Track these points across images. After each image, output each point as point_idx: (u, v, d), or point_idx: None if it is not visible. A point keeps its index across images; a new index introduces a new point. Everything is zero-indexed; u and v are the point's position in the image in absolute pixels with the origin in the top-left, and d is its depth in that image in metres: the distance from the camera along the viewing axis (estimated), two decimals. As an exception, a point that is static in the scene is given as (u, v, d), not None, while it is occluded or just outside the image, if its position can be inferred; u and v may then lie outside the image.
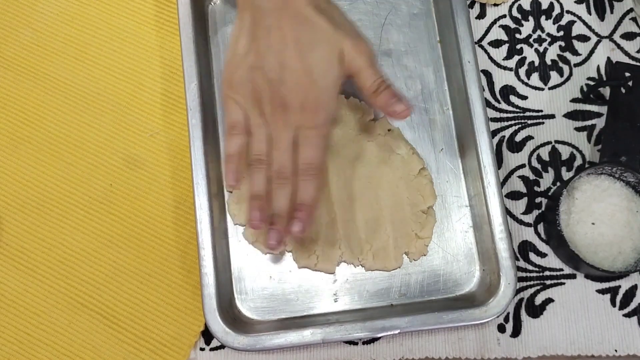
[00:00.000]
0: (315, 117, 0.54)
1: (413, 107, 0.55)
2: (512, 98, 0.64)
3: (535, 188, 0.62)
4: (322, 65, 0.53)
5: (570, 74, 0.64)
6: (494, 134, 0.62)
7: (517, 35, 0.65)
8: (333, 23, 0.53)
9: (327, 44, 0.53)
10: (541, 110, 0.63)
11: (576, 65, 0.64)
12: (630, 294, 0.59)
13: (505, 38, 0.65)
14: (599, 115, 0.63)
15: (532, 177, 0.62)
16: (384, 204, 0.60)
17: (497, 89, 0.64)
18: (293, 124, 0.54)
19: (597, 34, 0.64)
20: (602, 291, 0.59)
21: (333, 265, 0.59)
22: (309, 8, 0.53)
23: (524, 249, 0.60)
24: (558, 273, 0.60)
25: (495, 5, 0.66)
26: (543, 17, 0.65)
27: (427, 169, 0.61)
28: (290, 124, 0.54)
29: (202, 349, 0.59)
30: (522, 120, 0.63)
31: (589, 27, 0.65)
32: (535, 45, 0.65)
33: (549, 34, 0.65)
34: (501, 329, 0.59)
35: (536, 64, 0.64)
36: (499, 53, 0.65)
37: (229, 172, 0.56)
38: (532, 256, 0.60)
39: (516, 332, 0.58)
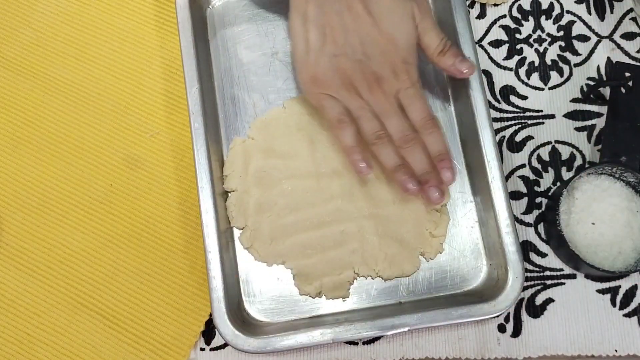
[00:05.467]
0: (409, 76, 0.56)
1: (475, 67, 0.58)
2: (512, 98, 0.64)
3: (536, 188, 0.62)
4: (400, 29, 0.55)
5: (570, 74, 0.64)
6: (494, 133, 0.62)
7: (517, 35, 0.65)
8: None
9: (399, 9, 0.55)
10: (541, 110, 0.63)
11: (576, 65, 0.64)
12: (630, 294, 0.59)
13: (505, 38, 0.65)
14: (599, 115, 0.63)
15: (532, 177, 0.62)
16: (395, 205, 0.60)
17: (497, 89, 0.64)
18: (392, 91, 0.56)
19: (597, 34, 0.65)
20: (602, 291, 0.59)
21: (344, 291, 0.59)
22: None
23: (524, 249, 0.60)
24: (558, 273, 0.60)
25: (495, 5, 0.66)
26: (543, 17, 0.65)
27: None
28: (389, 93, 0.56)
29: (202, 349, 0.59)
30: (522, 120, 0.63)
31: (589, 27, 0.65)
32: (535, 45, 0.65)
33: (549, 34, 0.65)
34: (501, 329, 0.59)
35: (536, 64, 0.64)
36: (499, 53, 0.65)
37: (358, 162, 0.57)
38: (533, 256, 0.60)
39: (516, 332, 0.58)
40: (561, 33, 0.65)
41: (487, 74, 0.64)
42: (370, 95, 0.56)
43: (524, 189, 0.62)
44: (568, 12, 0.65)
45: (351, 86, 0.56)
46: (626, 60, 0.64)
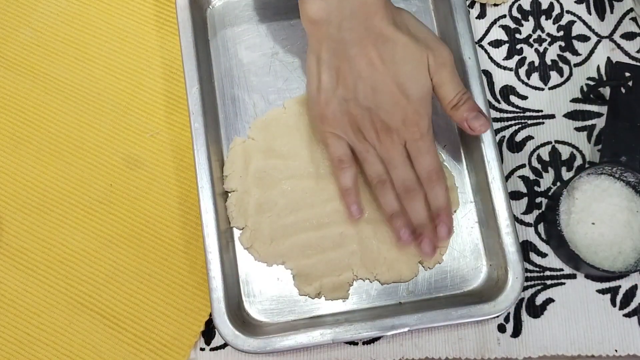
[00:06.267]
0: (419, 128, 0.55)
1: (490, 121, 0.56)
2: (512, 98, 0.64)
3: (536, 188, 0.62)
4: (414, 80, 0.54)
5: (570, 74, 0.64)
6: (494, 134, 0.62)
7: (517, 35, 0.65)
8: (413, 37, 0.54)
9: (413, 58, 0.54)
10: (541, 110, 0.63)
11: (576, 65, 0.64)
12: (630, 294, 0.59)
13: (505, 38, 0.65)
14: (599, 115, 0.63)
15: (532, 177, 0.62)
16: None
17: (497, 89, 0.64)
18: (400, 140, 0.56)
19: (597, 34, 0.65)
20: (602, 291, 0.59)
21: (344, 292, 0.59)
22: (390, 28, 0.53)
23: (524, 249, 0.60)
24: (558, 273, 0.60)
25: (495, 5, 0.66)
26: (543, 17, 0.65)
27: (446, 166, 0.61)
28: (397, 141, 0.56)
29: (202, 349, 0.59)
30: (522, 120, 0.63)
31: (589, 27, 0.65)
32: (535, 45, 0.65)
33: (549, 34, 0.65)
34: (501, 329, 0.59)
35: (536, 64, 0.64)
36: (499, 53, 0.65)
37: (352, 204, 0.57)
38: (533, 256, 0.60)
39: (516, 332, 0.58)
40: (561, 33, 0.65)
41: (487, 74, 0.64)
42: (377, 142, 0.56)
43: (524, 189, 0.62)
44: (568, 12, 0.65)
45: (359, 131, 0.57)
46: (626, 60, 0.64)
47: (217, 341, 0.59)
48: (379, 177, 0.57)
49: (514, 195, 0.62)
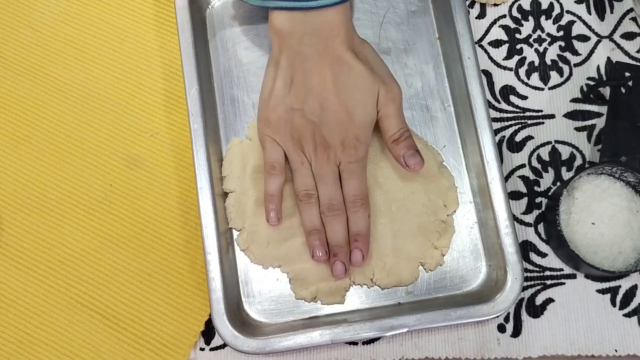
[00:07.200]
0: (356, 152, 0.57)
1: (424, 163, 0.57)
2: (512, 98, 0.64)
3: (536, 188, 0.62)
4: (360, 107, 0.56)
5: (570, 74, 0.64)
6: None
7: (517, 35, 0.65)
8: (369, 67, 0.57)
9: (364, 87, 0.56)
10: (541, 110, 0.63)
11: (576, 65, 0.64)
12: (630, 294, 0.59)
13: (505, 38, 0.65)
14: (599, 115, 0.63)
15: (532, 177, 0.62)
16: (397, 213, 0.59)
17: (497, 89, 0.64)
18: (336, 160, 0.57)
19: (597, 34, 0.64)
20: (602, 291, 0.59)
21: (340, 297, 0.59)
22: (348, 53, 0.56)
23: (524, 249, 0.60)
24: (558, 273, 0.60)
25: (495, 5, 0.66)
26: (543, 17, 0.65)
27: (446, 166, 0.61)
28: (332, 160, 0.57)
29: (202, 349, 0.59)
30: (522, 120, 0.63)
31: (589, 27, 0.65)
32: (535, 45, 0.65)
33: (549, 34, 0.65)
34: (501, 329, 0.59)
35: (536, 64, 0.64)
36: (499, 53, 0.65)
37: (271, 211, 0.58)
38: (533, 256, 0.60)
39: (516, 332, 0.58)
40: (561, 33, 0.65)
41: (487, 74, 0.64)
42: (313, 156, 0.58)
43: (523, 189, 0.62)
44: (568, 12, 0.65)
45: (298, 142, 0.58)
46: (626, 60, 0.64)
47: (216, 341, 0.59)
48: (306, 191, 0.58)
49: (513, 195, 0.62)
